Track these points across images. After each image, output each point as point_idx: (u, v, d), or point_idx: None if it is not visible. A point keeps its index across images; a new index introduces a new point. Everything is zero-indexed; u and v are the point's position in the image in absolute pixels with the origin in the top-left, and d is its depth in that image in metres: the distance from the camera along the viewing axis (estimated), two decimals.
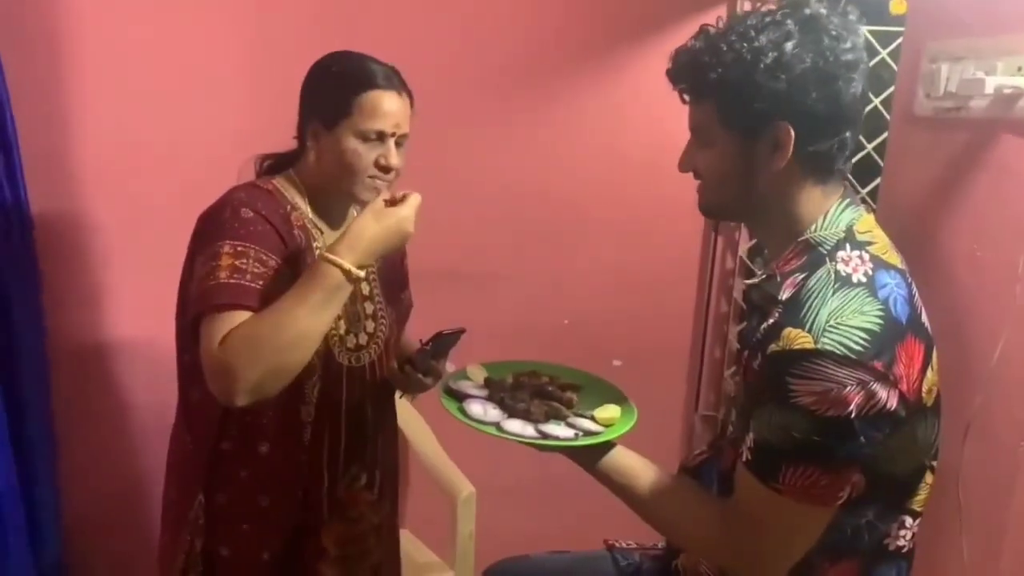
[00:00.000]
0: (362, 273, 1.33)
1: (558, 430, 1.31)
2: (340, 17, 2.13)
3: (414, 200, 1.38)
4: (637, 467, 1.29)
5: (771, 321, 1.14)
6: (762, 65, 1.10)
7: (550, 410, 1.34)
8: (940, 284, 1.28)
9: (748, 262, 2.54)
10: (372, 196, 1.49)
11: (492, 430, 1.30)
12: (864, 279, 1.13)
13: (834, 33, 1.11)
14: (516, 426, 1.31)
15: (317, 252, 1.51)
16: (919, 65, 1.58)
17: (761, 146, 1.14)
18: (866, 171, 2.41)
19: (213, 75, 2.08)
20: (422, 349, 1.55)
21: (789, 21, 1.12)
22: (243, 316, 1.30)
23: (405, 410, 2.13)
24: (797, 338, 1.07)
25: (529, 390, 1.39)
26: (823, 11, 1.14)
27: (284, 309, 1.29)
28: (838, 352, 1.05)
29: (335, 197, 1.56)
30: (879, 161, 2.42)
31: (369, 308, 1.60)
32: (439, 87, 2.24)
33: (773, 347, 1.09)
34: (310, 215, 1.54)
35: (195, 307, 1.34)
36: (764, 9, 1.17)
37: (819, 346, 1.06)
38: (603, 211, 2.49)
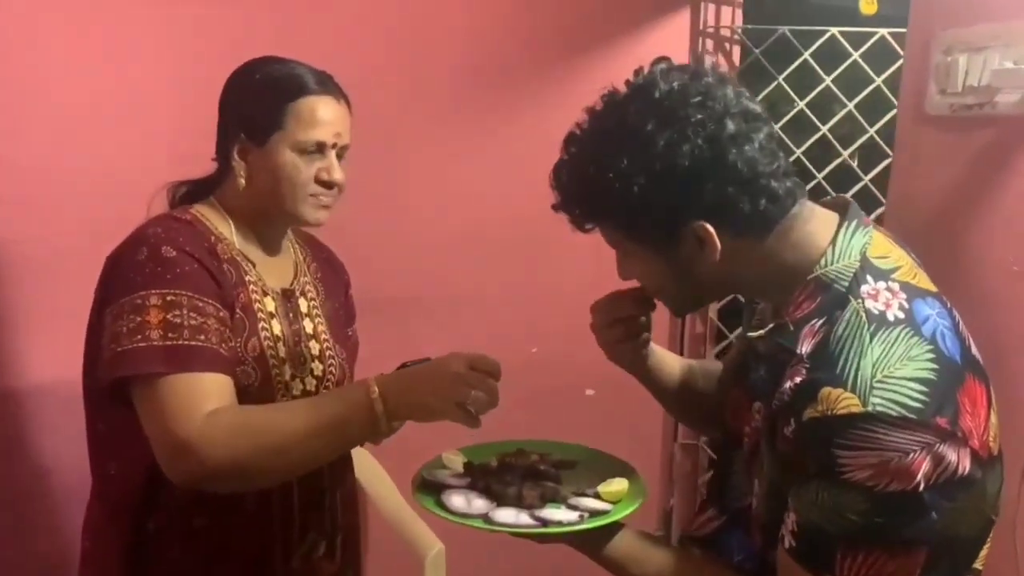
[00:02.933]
0: (383, 426, 1.12)
1: (558, 514, 1.06)
2: (277, 27, 1.86)
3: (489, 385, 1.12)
4: (652, 551, 1.05)
5: (799, 379, 0.91)
6: (635, 187, 0.92)
7: (545, 492, 1.09)
8: (974, 307, 1.06)
9: None
10: (317, 215, 1.28)
11: (479, 523, 1.05)
12: (902, 314, 0.92)
13: (699, 116, 0.91)
14: (508, 515, 1.06)
15: (251, 288, 1.26)
16: (930, 58, 1.36)
17: (684, 250, 0.96)
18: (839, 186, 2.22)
19: (138, 97, 1.81)
20: None
21: (642, 119, 0.92)
22: (188, 383, 1.12)
23: (361, 459, 1.87)
24: (840, 400, 0.86)
25: (518, 472, 1.14)
26: (675, 85, 0.93)
27: (287, 408, 1.18)
28: (893, 413, 0.85)
29: (268, 221, 1.32)
30: (858, 170, 2.23)
31: (315, 348, 1.35)
32: (393, 101, 2.02)
33: (811, 412, 0.88)
34: (237, 245, 1.29)
35: (119, 370, 1.13)
36: (612, 105, 0.97)
37: (869, 408, 0.85)
38: (571, 233, 2.23)
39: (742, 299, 1.16)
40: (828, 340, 0.91)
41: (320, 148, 1.27)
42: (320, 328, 1.37)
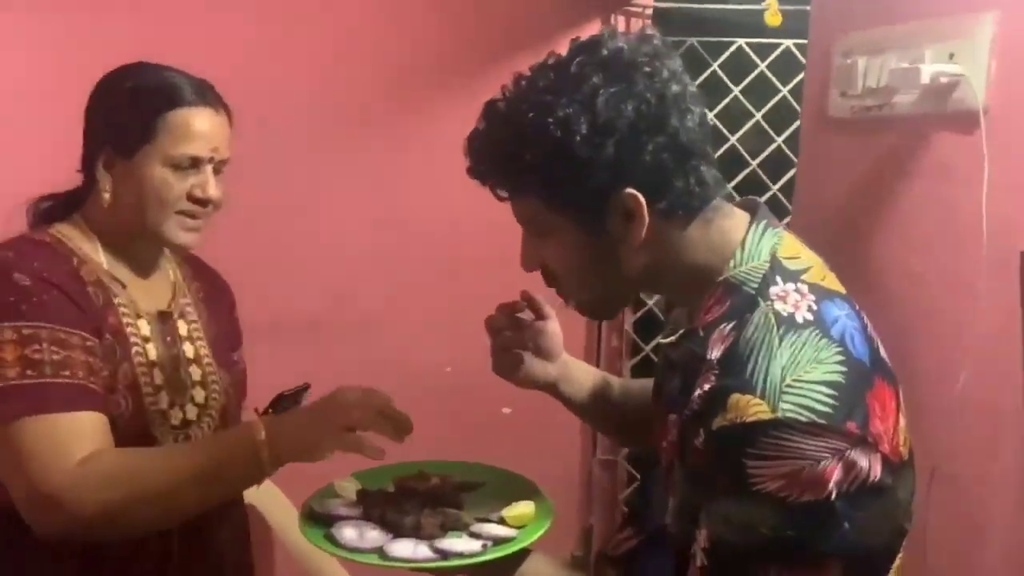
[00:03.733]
0: (265, 460, 1.04)
1: (460, 544, 0.98)
2: (168, 33, 1.76)
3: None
4: None
5: (708, 386, 0.85)
6: (578, 137, 0.85)
7: (446, 519, 1.01)
8: (879, 310, 1.02)
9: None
10: (185, 237, 1.17)
11: (373, 558, 0.96)
12: (810, 316, 0.87)
13: (647, 69, 0.87)
14: (405, 548, 0.97)
15: (121, 310, 1.15)
16: (830, 62, 1.35)
17: (609, 223, 0.90)
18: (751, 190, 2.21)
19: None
20: (262, 415, 1.20)
21: (588, 71, 0.86)
22: (53, 425, 1.02)
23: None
24: (749, 407, 0.81)
25: (416, 499, 1.05)
26: (622, 44, 0.88)
27: (164, 453, 1.09)
28: (803, 419, 0.80)
29: (138, 240, 1.21)
30: (766, 179, 2.23)
31: (196, 373, 1.24)
32: (290, 112, 1.93)
33: (719, 421, 0.82)
34: (105, 266, 1.18)
35: None
36: (552, 60, 0.90)
37: (779, 415, 0.80)
38: (481, 246, 2.17)
39: (658, 310, 1.12)
40: (738, 344, 0.86)
41: (195, 163, 1.17)
42: (202, 352, 1.27)
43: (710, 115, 2.22)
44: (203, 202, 1.18)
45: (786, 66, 2.17)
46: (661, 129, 0.86)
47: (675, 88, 0.88)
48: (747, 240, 0.91)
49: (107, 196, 1.17)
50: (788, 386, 0.81)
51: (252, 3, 1.93)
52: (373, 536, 0.99)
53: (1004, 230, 1.05)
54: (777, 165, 2.23)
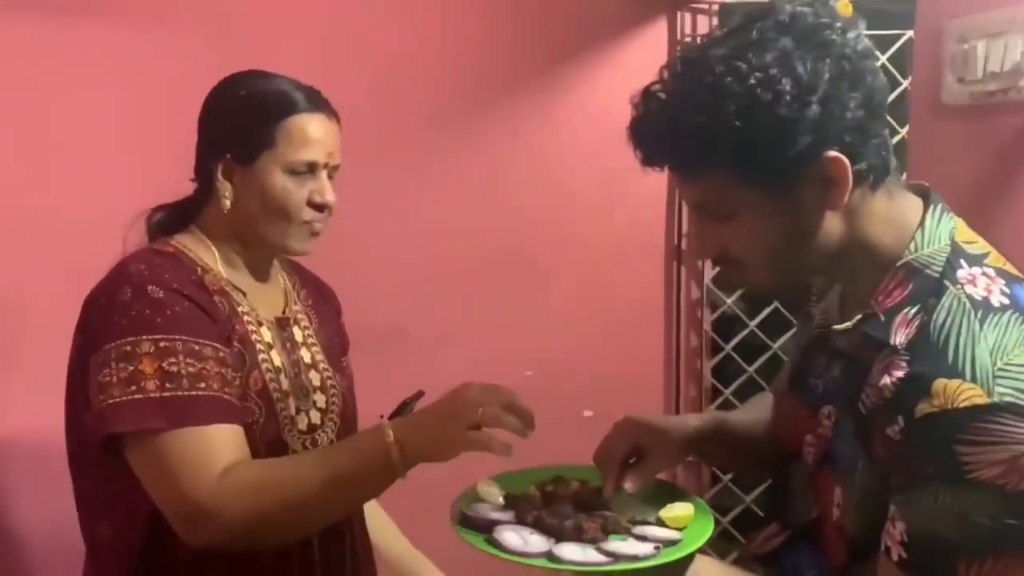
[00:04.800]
0: (401, 472, 1.02)
1: (630, 547, 0.94)
2: (235, 48, 1.74)
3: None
4: None
5: (900, 373, 0.82)
6: (786, 96, 0.80)
7: (606, 522, 0.97)
8: None
9: (715, 289, 2.24)
10: (306, 244, 1.18)
11: (543, 562, 0.92)
12: (1006, 300, 0.85)
13: (837, 25, 0.84)
14: (573, 551, 0.93)
15: (245, 319, 1.14)
16: (944, 47, 1.30)
17: (807, 192, 0.85)
18: None
19: (98, 129, 1.69)
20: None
21: (773, 34, 0.82)
22: (195, 438, 1.01)
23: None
24: (960, 392, 0.78)
25: (565, 502, 1.02)
26: (802, 8, 0.85)
27: (301, 461, 1.08)
28: (1020, 402, 0.77)
29: (255, 247, 1.20)
30: None
31: (315, 378, 1.23)
32: (363, 124, 1.91)
33: (925, 408, 0.79)
34: (225, 274, 1.17)
35: (112, 426, 1.02)
36: (720, 34, 0.86)
37: (995, 399, 0.77)
38: (555, 253, 2.16)
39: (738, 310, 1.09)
40: (928, 329, 0.83)
41: (312, 168, 1.16)
42: (318, 357, 1.26)
43: None
44: (321, 207, 1.17)
45: None
46: (859, 86, 0.83)
47: (863, 44, 0.85)
48: (926, 222, 0.89)
49: (227, 202, 1.16)
50: (1000, 370, 0.78)
51: (324, 18, 1.91)
52: (536, 541, 0.95)
53: None
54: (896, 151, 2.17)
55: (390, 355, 1.98)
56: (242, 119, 1.16)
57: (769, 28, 0.83)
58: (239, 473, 1.01)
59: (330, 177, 1.20)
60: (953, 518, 0.78)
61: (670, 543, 0.95)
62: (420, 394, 1.23)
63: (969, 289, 0.85)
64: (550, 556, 0.93)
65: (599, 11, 2.12)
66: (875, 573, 0.86)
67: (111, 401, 1.01)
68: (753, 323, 2.22)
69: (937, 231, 0.89)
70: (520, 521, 0.99)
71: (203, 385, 1.03)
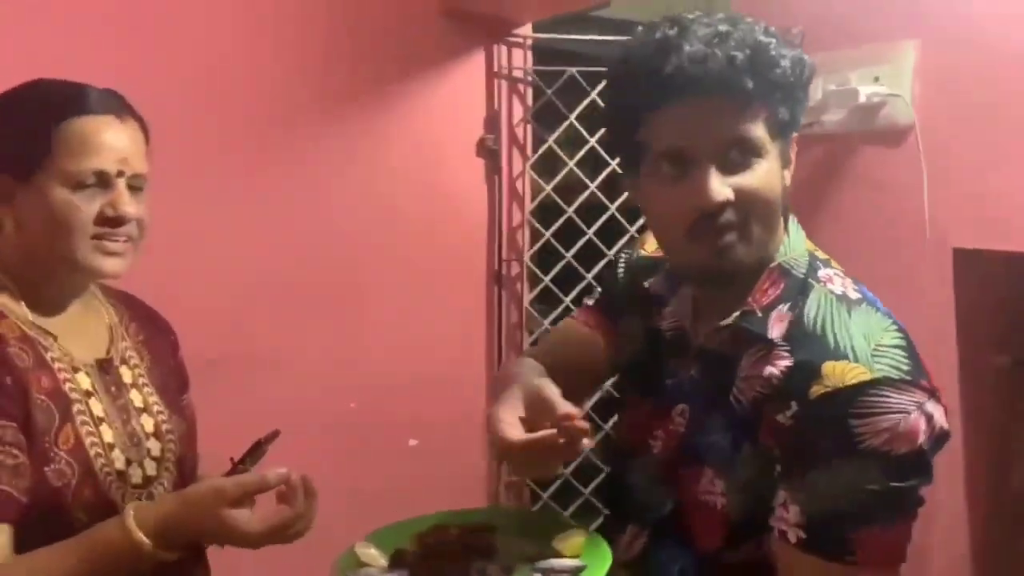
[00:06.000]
0: (151, 549, 0.94)
1: None
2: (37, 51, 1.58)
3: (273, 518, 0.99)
4: None
5: (785, 364, 0.91)
6: (808, 70, 0.93)
7: (509, 564, 0.93)
8: None
9: (533, 312, 2.30)
10: (105, 263, 1.02)
11: None
12: (858, 295, 0.96)
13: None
14: None
15: (56, 367, 1.01)
16: None
17: (782, 164, 0.96)
18: None
19: None
20: (236, 468, 1.09)
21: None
22: None
23: None
24: (848, 372, 0.87)
25: (453, 552, 0.97)
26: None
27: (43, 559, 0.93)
28: (895, 376, 0.87)
29: (58, 277, 1.06)
30: None
31: (148, 423, 1.11)
32: (175, 137, 1.78)
33: (818, 389, 0.87)
34: (29, 316, 1.02)
35: None
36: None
37: (877, 375, 0.86)
38: (379, 273, 2.12)
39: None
40: (803, 322, 0.92)
41: (102, 180, 1.02)
42: (151, 399, 1.13)
43: (592, 140, 2.31)
44: (115, 221, 1.02)
45: None
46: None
47: None
48: (790, 229, 0.99)
49: (8, 229, 1.02)
50: (875, 350, 0.88)
51: (143, 23, 1.78)
52: None
53: (938, 231, 1.16)
54: None
55: (204, 384, 1.84)
56: (13, 129, 1.02)
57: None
58: None
59: (134, 188, 1.05)
60: (846, 490, 0.85)
61: (577, 570, 0.91)
62: (276, 434, 1.13)
63: (830, 286, 0.95)
64: None
65: (422, 40, 2.12)
66: (748, 556, 0.92)
67: None
68: None
69: (797, 237, 0.99)
70: None
71: None
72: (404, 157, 2.11)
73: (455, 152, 2.18)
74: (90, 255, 1.02)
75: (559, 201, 2.27)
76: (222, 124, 1.86)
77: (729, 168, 0.90)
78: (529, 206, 2.27)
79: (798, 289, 0.95)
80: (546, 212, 2.29)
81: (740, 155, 0.91)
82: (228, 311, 1.92)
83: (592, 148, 2.26)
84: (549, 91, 2.22)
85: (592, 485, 2.32)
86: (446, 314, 2.20)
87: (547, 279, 2.26)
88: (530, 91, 2.27)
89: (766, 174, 0.92)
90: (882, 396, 0.85)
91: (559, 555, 0.96)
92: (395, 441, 2.13)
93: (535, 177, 2.28)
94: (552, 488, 2.30)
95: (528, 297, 2.29)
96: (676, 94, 0.88)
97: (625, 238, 2.29)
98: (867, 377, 0.86)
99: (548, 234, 2.25)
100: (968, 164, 1.15)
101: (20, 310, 1.02)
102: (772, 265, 0.96)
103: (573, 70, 2.23)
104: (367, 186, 2.08)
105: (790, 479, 0.88)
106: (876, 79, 1.22)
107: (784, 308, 0.94)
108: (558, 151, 2.25)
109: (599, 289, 1.22)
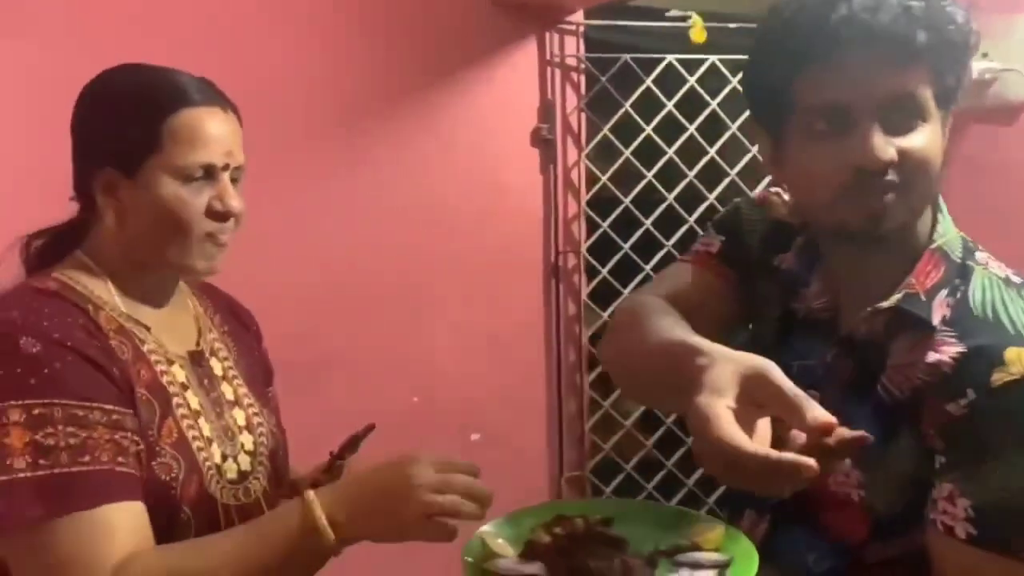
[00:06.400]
0: (329, 545, 0.88)
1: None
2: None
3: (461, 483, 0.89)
4: None
5: (956, 350, 0.84)
6: (975, 35, 0.85)
7: (652, 556, 0.86)
8: None
9: (592, 305, 2.26)
10: (211, 263, 1.01)
11: None
12: (1019, 278, 0.90)
13: None
14: None
15: (153, 359, 0.99)
16: None
17: (943, 136, 0.87)
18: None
19: None
20: (333, 462, 1.10)
21: None
22: (78, 527, 0.85)
23: None
24: None
25: (585, 541, 0.89)
26: None
27: (213, 546, 0.91)
28: None
29: (155, 271, 1.03)
30: (703, 190, 2.27)
31: (240, 417, 1.08)
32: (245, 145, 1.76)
33: (1001, 377, 0.80)
34: (123, 308, 1.00)
35: None
36: None
37: None
38: (437, 272, 2.09)
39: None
40: (967, 307, 0.85)
41: (209, 172, 0.99)
42: (241, 391, 1.09)
43: (648, 129, 2.25)
44: (224, 216, 1.00)
45: (714, 80, 2.24)
46: None
47: None
48: (944, 210, 0.92)
49: (111, 224, 0.99)
50: None
51: (202, 26, 1.75)
52: None
53: None
54: (710, 174, 2.29)
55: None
56: (119, 121, 0.99)
57: None
58: (135, 567, 0.85)
59: (234, 180, 1.03)
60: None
61: (723, 565, 0.84)
62: (371, 428, 1.12)
63: (992, 268, 0.89)
64: None
65: (473, 30, 2.09)
66: (895, 552, 0.86)
67: None
68: None
69: (947, 219, 0.92)
70: (554, 572, 0.84)
71: (87, 459, 0.86)
72: (459, 150, 2.09)
73: (509, 143, 2.15)
74: (201, 250, 1.00)
75: (615, 191, 2.22)
76: (281, 126, 1.83)
77: (891, 129, 0.82)
78: (585, 197, 2.23)
79: (957, 272, 0.88)
80: (603, 203, 2.24)
81: (904, 116, 0.83)
82: (292, 313, 1.90)
83: (648, 137, 2.21)
84: (603, 79, 2.17)
85: (655, 480, 2.29)
86: (504, 308, 2.17)
87: (605, 271, 2.22)
88: (583, 79, 2.22)
89: (931, 140, 0.84)
90: None
91: (698, 548, 0.89)
92: (458, 437, 2.10)
93: (591, 167, 2.23)
94: (614, 483, 2.27)
95: (586, 290, 2.24)
96: (841, 44, 0.80)
97: (683, 228, 2.25)
98: None
99: (605, 225, 2.21)
100: None
101: (114, 301, 1.00)
102: (933, 247, 0.89)
103: (627, 56, 2.18)
104: (423, 182, 2.05)
105: (959, 471, 0.82)
106: (984, 55, 1.17)
107: (944, 293, 0.87)
108: (613, 140, 2.20)
109: (718, 235, 1.05)
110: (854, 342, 0.91)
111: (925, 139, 0.84)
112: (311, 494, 0.89)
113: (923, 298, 0.87)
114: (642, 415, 2.31)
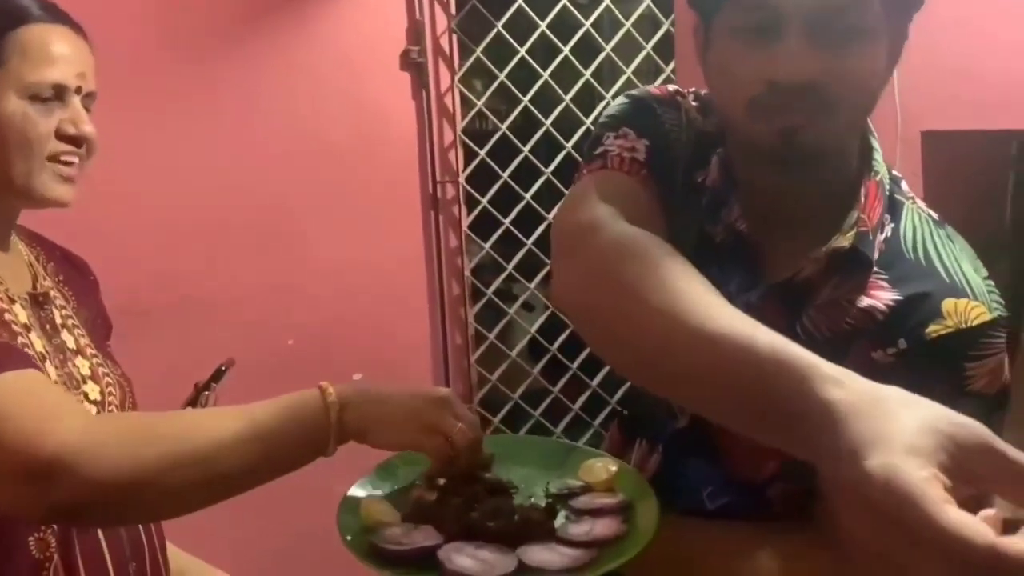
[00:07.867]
0: (332, 443, 0.81)
1: (597, 527, 0.75)
2: None
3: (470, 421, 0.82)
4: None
5: (890, 295, 0.77)
6: None
7: (547, 508, 0.79)
8: None
9: (475, 237, 2.20)
10: (60, 190, 0.94)
11: None
12: (936, 215, 0.84)
13: None
14: (540, 553, 0.72)
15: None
16: None
17: (892, 57, 0.76)
18: None
19: None
20: (198, 392, 1.09)
21: None
22: (31, 380, 0.81)
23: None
24: (971, 311, 0.76)
25: (474, 495, 0.80)
26: None
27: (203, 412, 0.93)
28: (1004, 315, 0.78)
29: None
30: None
31: (84, 366, 0.99)
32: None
33: (938, 329, 0.76)
34: None
35: None
36: None
37: (994, 315, 0.77)
38: (309, 201, 1.99)
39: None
40: (899, 246, 0.79)
41: (59, 93, 0.93)
42: (83, 342, 1.01)
43: (522, 51, 2.16)
44: (76, 140, 0.93)
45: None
46: None
47: None
48: (874, 134, 0.83)
49: None
50: (987, 285, 0.78)
51: None
52: (489, 556, 0.71)
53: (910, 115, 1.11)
54: (588, 98, 2.24)
55: (136, 334, 1.71)
56: None
57: None
58: (117, 417, 0.84)
59: (86, 109, 0.96)
60: None
61: (624, 508, 0.78)
62: (232, 362, 1.10)
63: (920, 204, 0.82)
64: (536, 571, 0.70)
65: None
66: (800, 489, 0.80)
67: None
68: (510, 266, 2.22)
69: (874, 144, 0.83)
70: (448, 536, 0.74)
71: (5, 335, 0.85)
72: (325, 75, 1.96)
73: (378, 66, 2.04)
74: (47, 178, 0.93)
75: (492, 117, 2.15)
76: (130, 48, 1.68)
77: (822, 42, 0.71)
78: (461, 124, 2.15)
79: (894, 206, 0.81)
80: (479, 131, 2.18)
81: (840, 29, 0.71)
82: (152, 254, 1.78)
83: (523, 60, 2.14)
84: None
85: (542, 407, 2.28)
86: (382, 241, 2.09)
87: (485, 200, 2.16)
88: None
89: (869, 59, 0.73)
90: (996, 337, 0.77)
91: (590, 488, 0.82)
92: (338, 376, 2.02)
93: (465, 92, 2.15)
94: (501, 413, 2.26)
95: (466, 221, 2.18)
96: None
97: (562, 154, 2.20)
98: (988, 318, 0.77)
99: (483, 153, 2.14)
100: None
101: None
102: (876, 178, 0.80)
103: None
104: (289, 108, 1.93)
105: None
106: None
107: (886, 228, 0.80)
108: (487, 62, 2.13)
109: (641, 138, 0.85)
110: (790, 282, 0.80)
111: (862, 58, 0.73)
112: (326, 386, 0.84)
113: (871, 237, 0.79)
114: (528, 345, 2.29)
